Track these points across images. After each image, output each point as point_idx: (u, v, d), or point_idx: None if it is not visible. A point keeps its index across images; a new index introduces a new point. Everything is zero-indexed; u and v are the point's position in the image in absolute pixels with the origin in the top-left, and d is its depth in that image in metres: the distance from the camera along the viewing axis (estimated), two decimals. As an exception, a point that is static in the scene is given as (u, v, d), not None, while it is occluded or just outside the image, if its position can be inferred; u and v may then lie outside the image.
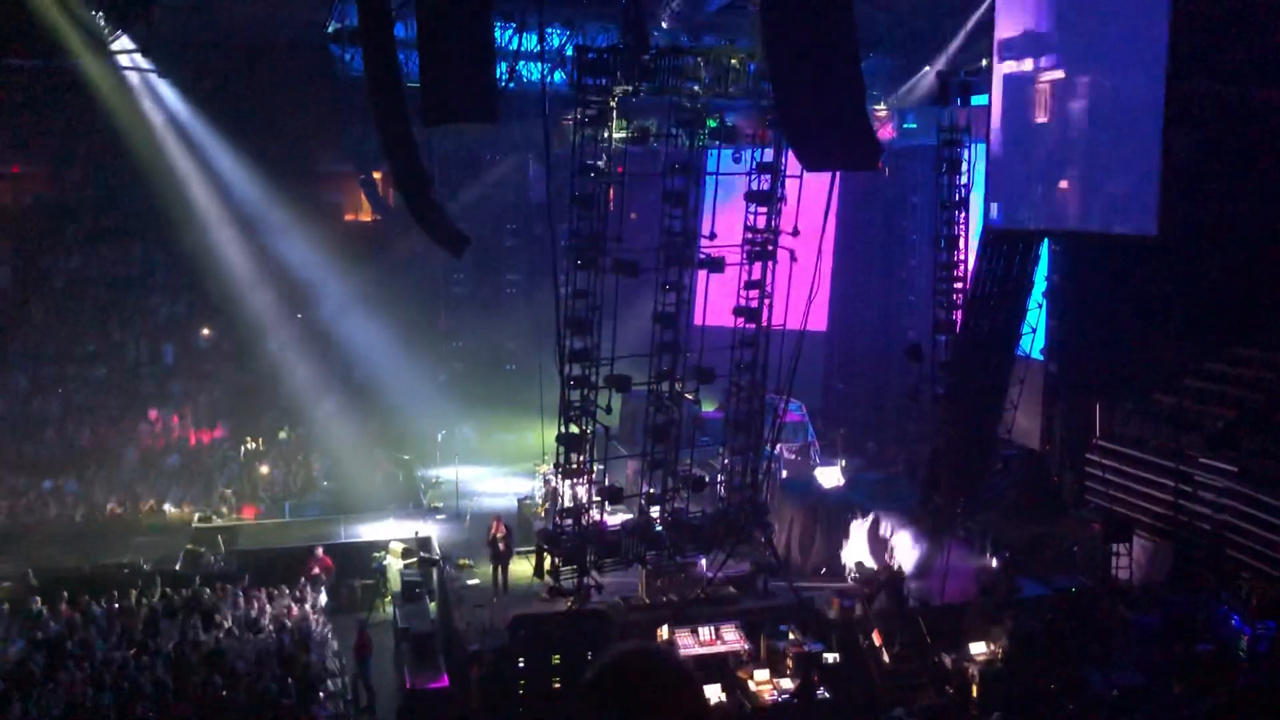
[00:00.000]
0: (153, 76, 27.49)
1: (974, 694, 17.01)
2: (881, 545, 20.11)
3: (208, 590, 18.97)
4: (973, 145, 21.23)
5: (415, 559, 20.47)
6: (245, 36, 28.17)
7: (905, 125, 27.14)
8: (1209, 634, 17.05)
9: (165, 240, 31.93)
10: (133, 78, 27.70)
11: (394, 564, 20.83)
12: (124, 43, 25.40)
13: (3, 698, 14.52)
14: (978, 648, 17.61)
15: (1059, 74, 17.69)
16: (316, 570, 20.28)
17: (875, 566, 19.90)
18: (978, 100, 21.20)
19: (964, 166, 21.12)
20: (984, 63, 21.31)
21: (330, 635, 18.40)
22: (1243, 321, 20.31)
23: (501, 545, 19.81)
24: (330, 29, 25.81)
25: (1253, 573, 17.99)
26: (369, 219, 36.14)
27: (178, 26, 25.64)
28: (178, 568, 20.48)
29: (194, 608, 18.13)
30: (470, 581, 19.75)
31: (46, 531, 23.18)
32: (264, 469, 25.89)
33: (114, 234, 32.60)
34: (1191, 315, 20.72)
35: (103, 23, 24.01)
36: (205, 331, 30.91)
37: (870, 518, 20.39)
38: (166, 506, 24.41)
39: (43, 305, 30.35)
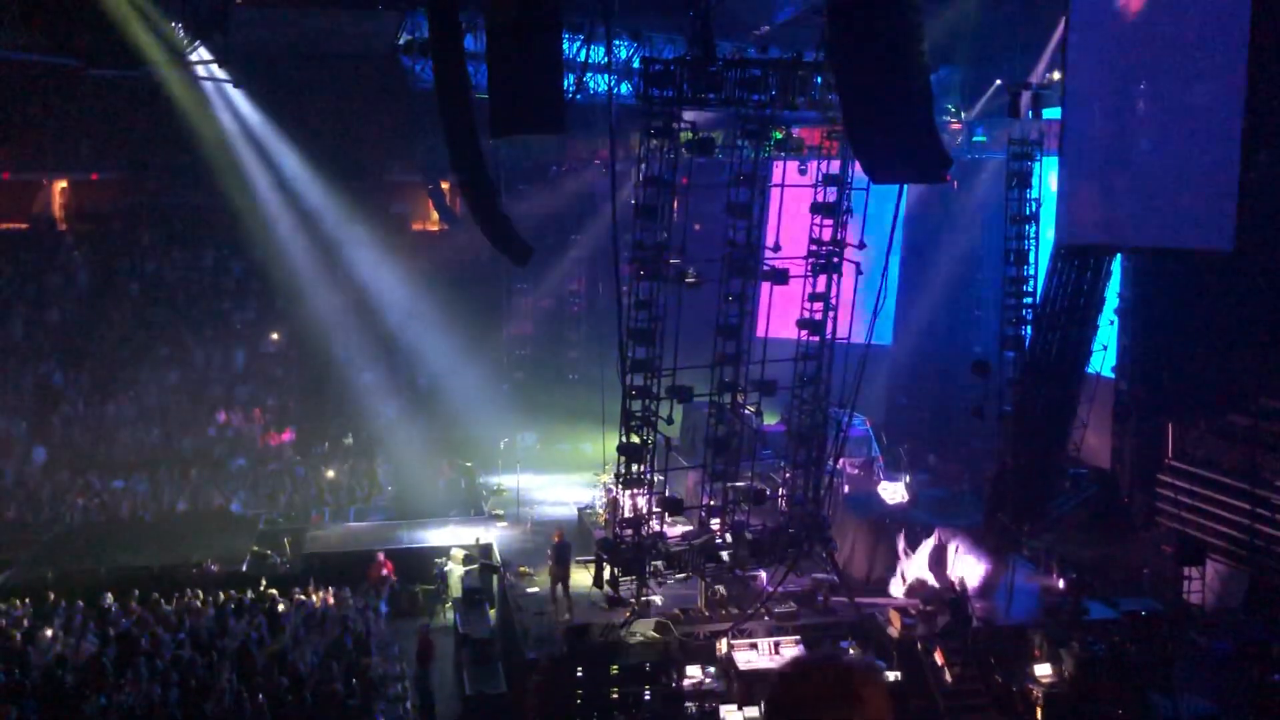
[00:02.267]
0: (227, 86, 28.12)
1: (1037, 717, 16.69)
2: (945, 563, 19.82)
3: (273, 591, 19.26)
4: (1043, 159, 20.95)
5: (476, 565, 20.61)
6: (318, 47, 28.68)
7: (975, 138, 26.83)
8: (1285, 664, 16.59)
9: (237, 247, 32.61)
10: (208, 87, 28.36)
11: (455, 570, 20.98)
12: (201, 53, 26.02)
13: (77, 693, 14.86)
14: (1042, 670, 17.27)
15: (1133, 86, 17.36)
16: (386, 572, 20.53)
17: (938, 585, 19.62)
18: (1049, 113, 20.92)
19: (1034, 180, 20.85)
20: (1055, 75, 21.04)
21: (392, 639, 18.59)
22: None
23: (557, 558, 19.58)
24: (401, 41, 26.21)
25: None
26: (436, 228, 36.57)
27: (252, 37, 26.20)
28: (244, 568, 20.84)
29: (260, 608, 18.43)
30: (530, 590, 19.83)
31: (118, 530, 23.72)
32: (330, 473, 26.25)
33: (187, 240, 33.37)
34: (1268, 333, 20.17)
35: (181, 34, 24.61)
36: (274, 336, 31.46)
37: (934, 535, 20.11)
38: (234, 508, 24.84)
39: (118, 309, 31.11)
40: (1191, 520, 20.71)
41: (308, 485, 25.94)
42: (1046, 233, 20.75)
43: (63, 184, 34.41)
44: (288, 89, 30.01)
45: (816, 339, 19.43)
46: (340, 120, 32.66)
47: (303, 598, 19.26)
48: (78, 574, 20.17)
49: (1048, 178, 20.89)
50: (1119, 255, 20.38)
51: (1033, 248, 20.86)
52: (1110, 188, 17.72)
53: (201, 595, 19.07)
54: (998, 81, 25.08)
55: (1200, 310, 21.15)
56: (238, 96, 28.92)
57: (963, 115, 27.37)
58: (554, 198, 35.11)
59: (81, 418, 27.94)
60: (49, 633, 17.33)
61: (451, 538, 22.39)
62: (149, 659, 15.87)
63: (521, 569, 20.87)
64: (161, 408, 28.58)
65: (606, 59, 22.55)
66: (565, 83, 19.33)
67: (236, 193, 30.54)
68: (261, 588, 19.56)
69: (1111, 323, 21.81)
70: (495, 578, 20.29)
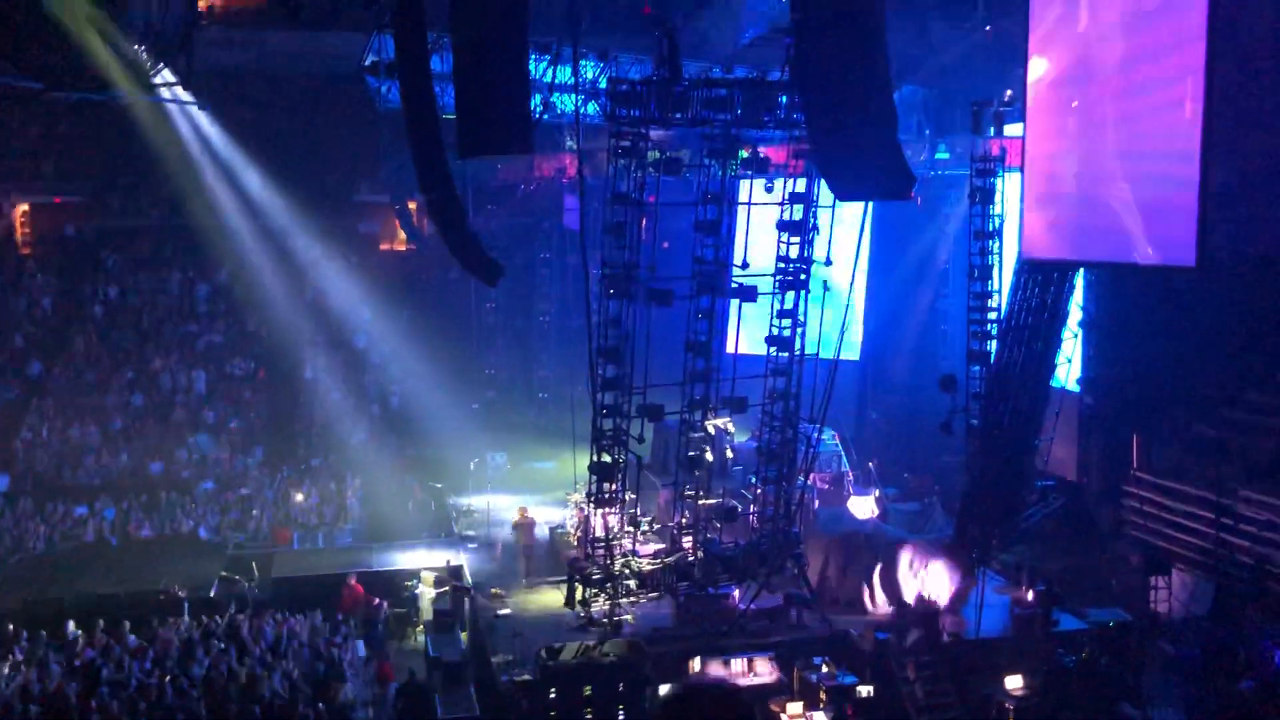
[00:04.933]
0: (192, 108, 27.95)
1: (1010, 729, 16.78)
2: (916, 577, 19.92)
3: (242, 617, 19.05)
4: (1005, 175, 21.20)
5: (447, 588, 20.49)
6: (283, 69, 28.60)
7: (938, 155, 27.10)
8: (1252, 670, 16.76)
9: (203, 269, 32.39)
10: (172, 109, 28.17)
11: (426, 593, 20.85)
12: (165, 75, 25.85)
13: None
14: (1013, 682, 17.39)
15: (1092, 103, 17.61)
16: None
17: (910, 599, 19.71)
18: (1011, 130, 21.18)
19: (997, 196, 21.08)
20: (1016, 92, 21.28)
21: (364, 663, 18.43)
22: (1282, 351, 20.06)
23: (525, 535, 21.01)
24: (367, 62, 26.17)
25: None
26: (404, 248, 36.47)
27: (217, 59, 26.09)
28: (212, 594, 20.58)
29: (228, 634, 18.22)
30: (502, 611, 19.73)
31: (83, 557, 23.37)
32: (298, 496, 26.03)
33: (152, 263, 33.09)
34: (1231, 345, 20.47)
35: (144, 56, 24.44)
36: (240, 359, 31.23)
37: (905, 549, 20.21)
38: (202, 532, 24.56)
39: (82, 333, 30.78)
40: (1157, 530, 20.93)
41: (277, 508, 25.70)
42: (1010, 248, 20.98)
43: (25, 207, 34.06)
44: (253, 110, 29.93)
45: (786, 355, 19.55)
46: (306, 141, 32.57)
47: (272, 623, 19.05)
48: (41, 603, 19.84)
49: (1011, 193, 21.12)
50: (1082, 270, 20.63)
51: (996, 263, 21.08)
52: (1071, 204, 17.95)
53: (169, 622, 18.82)
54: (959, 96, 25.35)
55: (1163, 323, 21.44)
56: (202, 118, 28.76)
57: (926, 132, 27.64)
58: (523, 216, 35.17)
59: (45, 443, 27.57)
60: (11, 664, 17.04)
61: (422, 560, 22.25)
62: (114, 689, 15.64)
63: (493, 591, 20.77)
64: (127, 431, 28.26)
65: (574, 79, 22.61)
66: (533, 103, 19.39)
67: (202, 214, 30.35)
68: (230, 613, 19.34)
69: (1075, 336, 22.06)
70: (466, 600, 20.19)
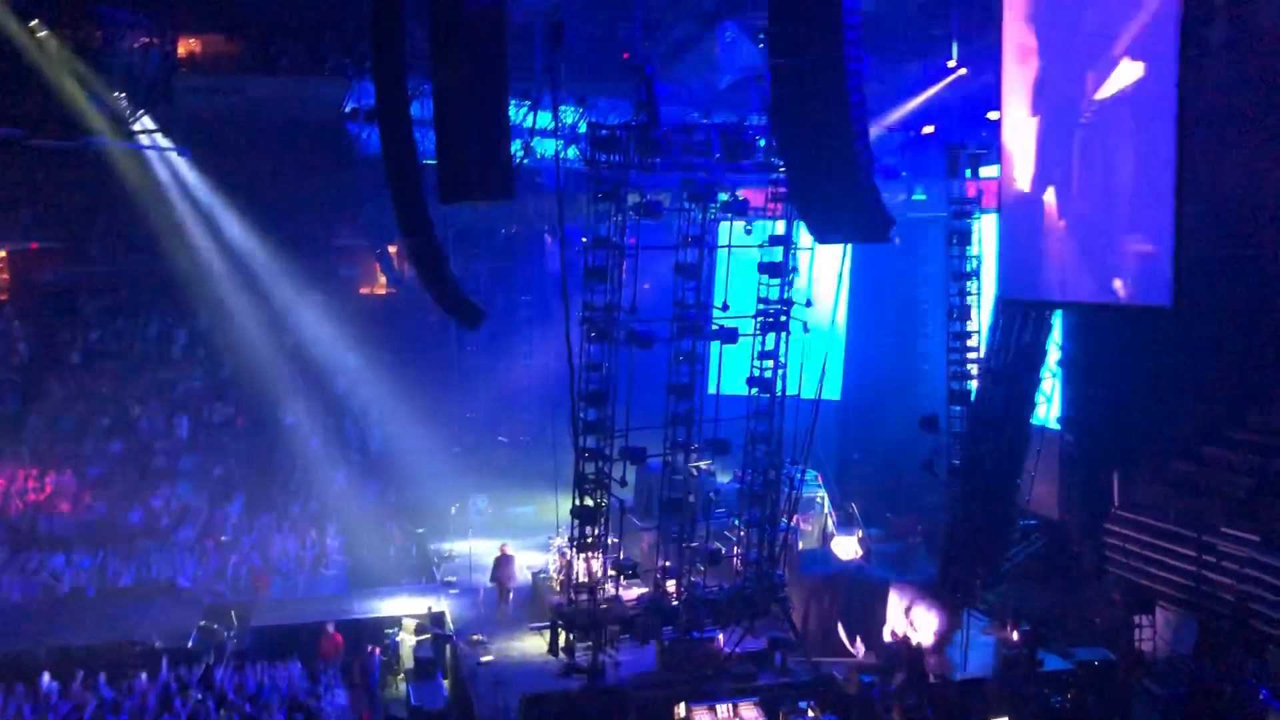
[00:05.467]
0: (172, 154, 28.00)
1: (998, 771, 16.68)
2: (900, 618, 19.86)
3: (220, 667, 18.80)
4: (982, 216, 21.41)
5: (428, 635, 20.29)
6: (263, 115, 28.70)
7: (915, 197, 27.36)
8: (1237, 708, 16.75)
9: (182, 314, 32.27)
10: (152, 155, 28.21)
11: (407, 640, 20.64)
12: (145, 122, 25.93)
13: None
14: (1001, 724, 17.30)
15: (1067, 146, 17.84)
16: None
17: (894, 640, 19.63)
18: (987, 172, 21.42)
19: (974, 237, 21.27)
20: (990, 135, 21.55)
21: (345, 712, 18.19)
22: (1260, 388, 20.19)
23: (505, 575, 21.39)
24: (347, 108, 26.28)
25: (1278, 644, 17.70)
26: (384, 292, 36.45)
27: (196, 105, 26.17)
28: (190, 644, 20.32)
29: (206, 685, 17.96)
30: (484, 658, 19.54)
31: (58, 607, 23.05)
32: (278, 543, 25.76)
33: (130, 309, 32.94)
34: (1209, 382, 20.62)
35: (125, 104, 24.54)
36: (219, 405, 31.03)
37: (889, 590, 20.15)
38: (180, 581, 24.27)
39: (59, 380, 30.54)
40: (1139, 568, 20.95)
41: (257, 556, 25.43)
42: (989, 288, 21.13)
43: (2, 253, 33.93)
44: (233, 155, 29.95)
45: (768, 396, 19.60)
46: (286, 185, 32.57)
47: (251, 673, 18.80)
48: (14, 655, 19.54)
49: (988, 235, 21.31)
50: (1059, 309, 20.79)
51: (975, 303, 21.23)
52: (1048, 245, 18.12)
53: (146, 673, 18.54)
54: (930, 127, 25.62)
55: (1141, 361, 21.59)
56: (182, 163, 28.80)
57: (903, 174, 27.91)
58: (503, 260, 35.25)
59: (21, 491, 27.25)
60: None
61: (403, 607, 22.06)
62: (90, 743, 15.38)
63: (474, 637, 20.57)
64: (104, 479, 27.98)
65: (553, 124, 22.77)
66: (513, 148, 19.51)
67: (181, 260, 30.30)
68: (209, 663, 19.08)
69: (1054, 374, 22.17)
70: (448, 647, 19.99)
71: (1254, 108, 19.39)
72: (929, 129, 26.96)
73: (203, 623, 21.10)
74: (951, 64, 24.79)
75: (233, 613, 21.58)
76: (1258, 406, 20.27)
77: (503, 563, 22.45)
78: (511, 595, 22.09)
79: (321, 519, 27.09)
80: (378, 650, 20.33)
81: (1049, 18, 18.20)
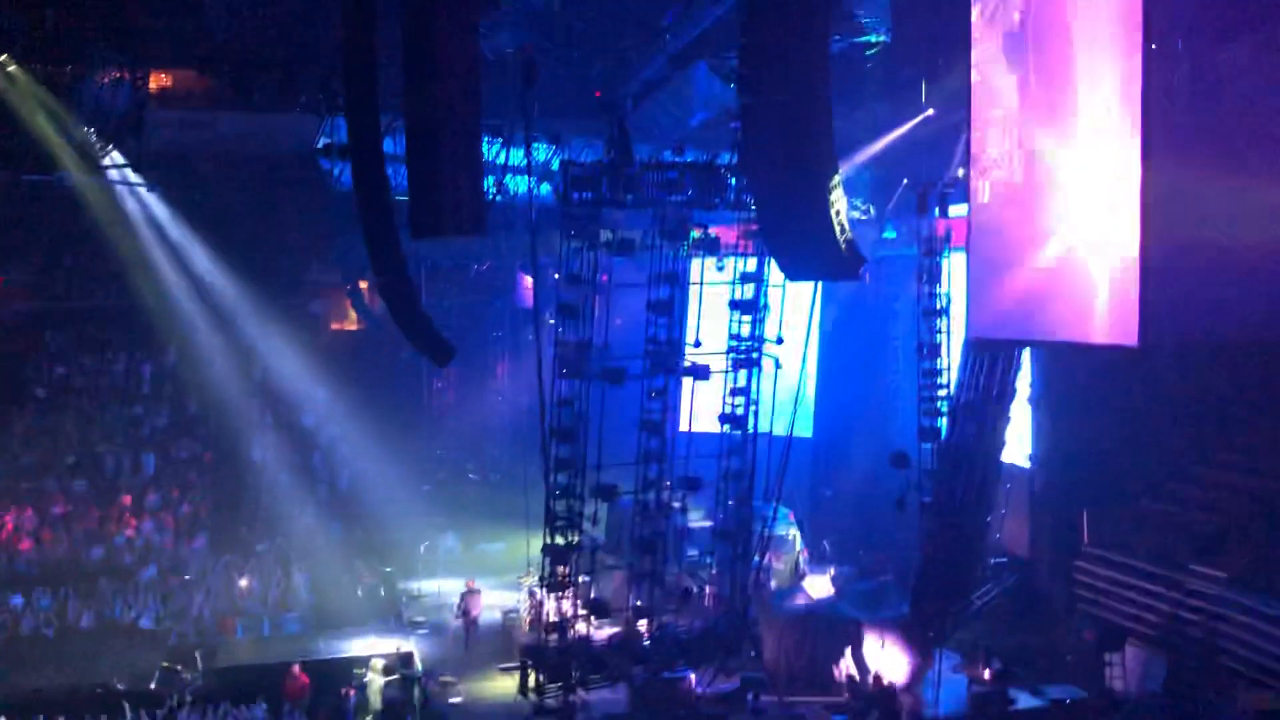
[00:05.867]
0: (141, 189, 27.84)
1: (971, 812, 16.57)
2: (872, 657, 19.78)
3: (183, 711, 18.45)
4: (952, 254, 21.58)
5: (396, 676, 20.00)
6: (234, 149, 28.61)
7: (885, 235, 27.57)
8: (1210, 748, 16.74)
9: (149, 350, 31.93)
10: (121, 190, 28.04)
11: (375, 681, 20.32)
12: (114, 157, 25.77)
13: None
14: (973, 763, 17.22)
15: (1034, 186, 18.05)
16: (304, 689, 19.83)
17: (867, 679, 19.54)
18: (956, 210, 21.63)
19: (944, 275, 21.44)
20: (960, 173, 21.80)
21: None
22: (1226, 426, 20.38)
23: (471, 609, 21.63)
24: (320, 144, 26.24)
25: (1249, 682, 17.73)
26: (355, 328, 36.26)
27: (167, 140, 26.04)
28: (153, 686, 19.94)
29: (168, 729, 17.62)
30: (453, 699, 19.29)
31: (17, 649, 22.59)
32: (243, 582, 25.41)
33: (97, 344, 32.57)
34: (1177, 421, 20.78)
35: (94, 139, 24.38)
36: (186, 441, 30.68)
37: (861, 628, 20.09)
38: (143, 622, 23.86)
39: (23, 416, 30.10)
40: (1109, 606, 20.97)
41: (221, 595, 25.05)
42: (959, 325, 21.27)
43: (-34, 287, 33.50)
44: (203, 190, 29.84)
45: (739, 433, 19.59)
46: (257, 221, 32.44)
47: (214, 715, 18.46)
48: (-27, 699, 19.13)
49: (958, 273, 21.47)
50: (1028, 347, 20.93)
51: (945, 340, 21.35)
52: (1015, 285, 18.29)
53: (107, 716, 18.17)
54: (905, 181, 25.87)
55: (1109, 399, 21.71)
56: (151, 198, 28.63)
57: (872, 212, 28.14)
58: (475, 296, 35.19)
59: (-19, 530, 26.77)
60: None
61: (371, 647, 21.75)
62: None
63: (443, 678, 20.30)
64: (67, 517, 27.52)
65: (526, 161, 22.82)
66: (485, 184, 19.52)
67: (149, 295, 30.04)
68: (171, 705, 18.72)
69: (1024, 412, 22.28)
70: (416, 688, 19.71)
71: (1217, 151, 19.69)
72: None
73: (165, 664, 20.73)
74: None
75: (196, 653, 21.23)
76: (1224, 444, 20.44)
77: (469, 596, 22.57)
78: (475, 627, 22.34)
79: (288, 557, 26.74)
80: (352, 692, 20.00)
81: (1016, 60, 18.48)
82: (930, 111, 24.92)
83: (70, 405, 30.75)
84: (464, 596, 22.73)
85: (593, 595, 19.02)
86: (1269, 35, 18.90)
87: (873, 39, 25.85)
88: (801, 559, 24.35)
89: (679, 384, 20.23)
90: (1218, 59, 19.86)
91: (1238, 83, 19.64)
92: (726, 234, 20.32)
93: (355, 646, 22.05)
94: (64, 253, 32.34)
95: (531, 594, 21.21)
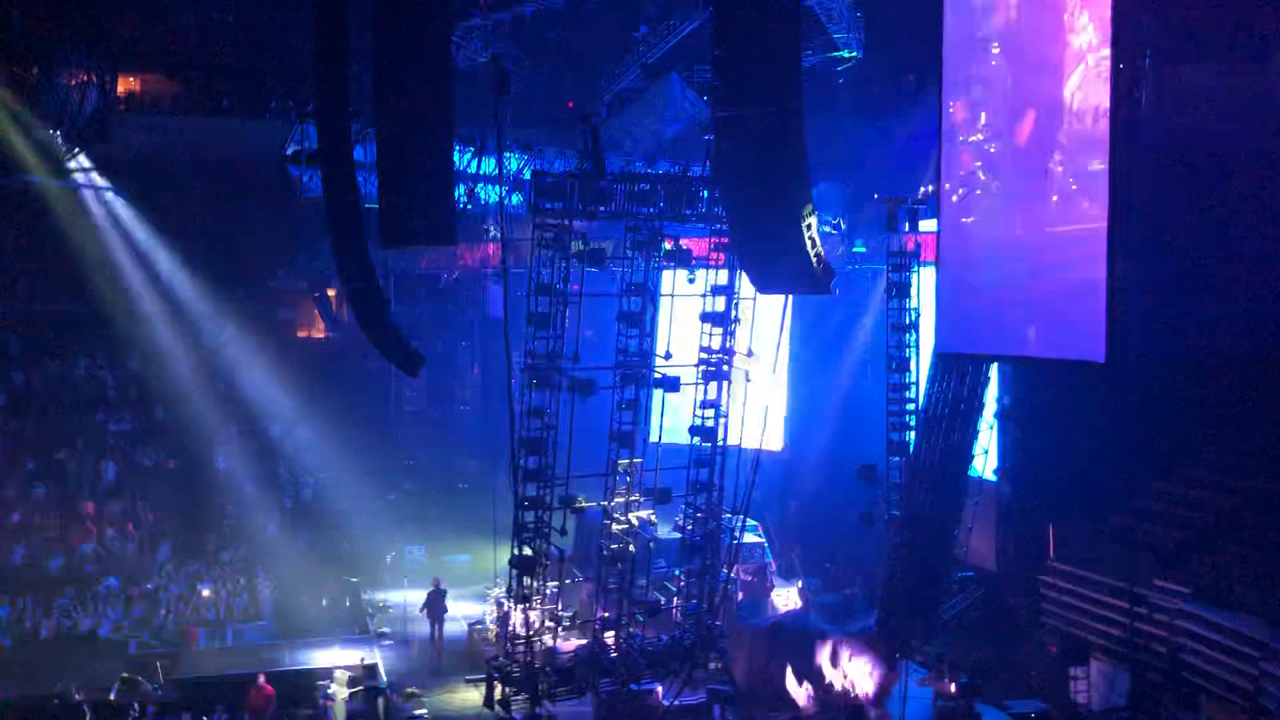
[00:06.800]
0: (107, 193, 27.57)
1: (936, 826, 16.59)
2: (840, 670, 19.80)
3: (143, 721, 18.19)
4: (921, 269, 21.71)
5: (361, 688, 19.81)
6: (202, 154, 28.39)
7: (855, 249, 27.70)
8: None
9: (111, 355, 31.57)
10: (87, 193, 27.73)
11: (340, 692, 20.11)
12: (80, 161, 25.49)
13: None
14: (939, 777, 17.25)
15: (1003, 202, 18.19)
16: (269, 701, 19.57)
17: (834, 692, 19.55)
18: (926, 225, 21.77)
19: (913, 290, 21.56)
20: (930, 188, 21.94)
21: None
22: (1190, 443, 20.58)
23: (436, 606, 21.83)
24: (289, 151, 26.08)
25: (1209, 696, 17.88)
26: (322, 335, 36.01)
27: (135, 144, 25.80)
28: (112, 697, 19.64)
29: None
30: (418, 711, 19.12)
31: (-27, 660, 22.21)
32: (206, 591, 25.11)
33: (58, 349, 32.15)
34: (1142, 436, 20.96)
35: (60, 142, 24.12)
36: (149, 449, 30.33)
37: (829, 641, 20.11)
38: (102, 631, 23.51)
39: (-19, 422, 29.66)
40: (1074, 620, 21.11)
41: (183, 605, 24.74)
42: (928, 339, 21.38)
43: (-75, 293, 32.97)
44: (170, 194, 29.57)
45: (709, 445, 19.58)
46: (224, 226, 32.17)
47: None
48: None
49: (926, 287, 21.59)
50: (997, 362, 21.07)
51: (914, 355, 21.46)
52: (983, 300, 18.41)
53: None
54: (875, 195, 26.04)
55: (1076, 414, 21.89)
56: (117, 202, 28.34)
57: (843, 226, 28.29)
58: (445, 305, 35.04)
59: (-63, 538, 26.31)
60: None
61: (335, 658, 21.51)
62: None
63: (408, 689, 20.14)
64: (26, 525, 27.11)
65: (498, 170, 22.78)
66: (456, 193, 19.45)
67: (112, 300, 29.70)
68: (132, 717, 18.43)
69: (991, 426, 22.42)
70: (381, 700, 19.53)
71: (1184, 166, 19.93)
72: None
73: (126, 674, 20.43)
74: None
75: (158, 664, 20.95)
76: (1188, 461, 20.65)
77: (435, 596, 22.67)
78: (442, 625, 22.55)
79: (252, 566, 26.47)
80: (330, 704, 19.77)
81: (986, 78, 18.64)
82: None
83: (31, 411, 30.34)
84: (429, 596, 22.84)
85: (560, 607, 18.94)
86: (1234, 59, 19.24)
87: (845, 54, 26.07)
88: (769, 572, 24.35)
89: (649, 396, 20.20)
90: (1181, 76, 20.13)
91: (1203, 102, 19.92)
92: (698, 246, 20.34)
93: (320, 657, 21.78)
94: (28, 258, 31.92)
95: (498, 605, 21.07)
